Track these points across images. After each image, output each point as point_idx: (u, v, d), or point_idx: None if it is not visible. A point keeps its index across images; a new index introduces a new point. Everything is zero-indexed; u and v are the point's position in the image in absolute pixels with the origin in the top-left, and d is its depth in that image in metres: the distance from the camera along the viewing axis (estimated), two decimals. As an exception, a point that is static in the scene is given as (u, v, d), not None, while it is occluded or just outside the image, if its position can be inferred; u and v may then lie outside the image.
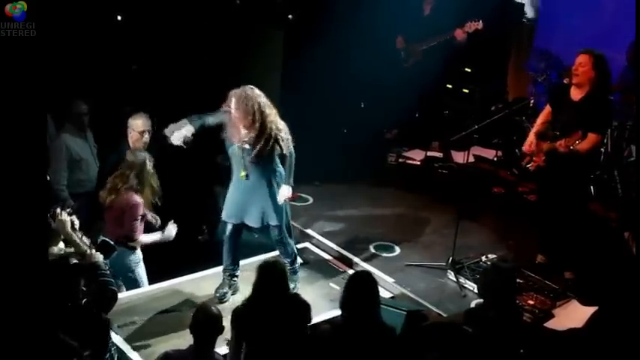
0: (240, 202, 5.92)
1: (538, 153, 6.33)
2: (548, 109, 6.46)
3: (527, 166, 6.48)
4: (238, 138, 5.78)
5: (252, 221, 5.94)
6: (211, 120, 5.79)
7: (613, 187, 7.57)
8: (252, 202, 5.89)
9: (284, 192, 5.90)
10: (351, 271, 6.55)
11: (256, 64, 8.76)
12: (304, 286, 6.26)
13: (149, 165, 5.82)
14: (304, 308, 4.71)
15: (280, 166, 5.91)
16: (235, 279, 6.14)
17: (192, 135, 5.68)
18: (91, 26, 7.77)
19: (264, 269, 4.65)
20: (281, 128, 5.78)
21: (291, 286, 6.12)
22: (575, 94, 6.15)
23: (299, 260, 6.32)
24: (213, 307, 4.34)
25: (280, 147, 5.79)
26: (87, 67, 7.70)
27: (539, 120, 6.49)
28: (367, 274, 4.65)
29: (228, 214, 5.98)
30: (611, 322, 4.86)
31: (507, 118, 8.05)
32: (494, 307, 4.49)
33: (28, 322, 3.52)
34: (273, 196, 5.87)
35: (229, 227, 6.05)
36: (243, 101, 5.64)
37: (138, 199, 5.78)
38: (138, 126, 6.26)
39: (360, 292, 4.46)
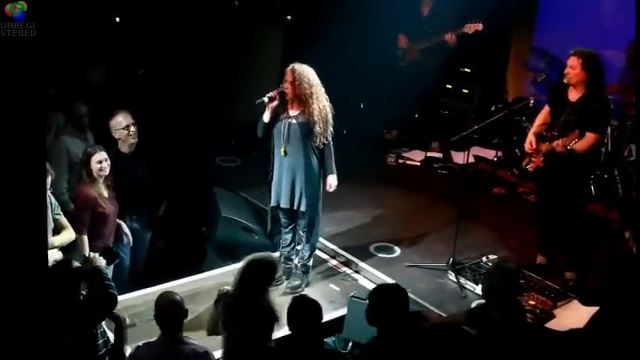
0: (280, 183, 5.97)
1: (537, 154, 6.32)
2: (546, 109, 6.44)
3: (527, 167, 6.48)
4: (287, 114, 5.86)
5: (285, 202, 5.98)
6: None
7: (613, 187, 7.56)
8: (289, 183, 5.94)
9: (331, 181, 6.00)
10: (349, 271, 6.56)
11: (255, 65, 8.76)
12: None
13: (94, 156, 5.65)
14: (271, 318, 4.60)
15: (317, 153, 5.94)
16: (290, 263, 6.25)
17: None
18: (90, 27, 7.77)
19: (254, 263, 4.68)
20: (328, 118, 5.86)
21: (297, 282, 6.16)
22: (572, 95, 6.13)
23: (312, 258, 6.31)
24: (175, 294, 4.40)
25: (323, 133, 5.84)
26: (86, 67, 7.71)
27: (538, 121, 6.47)
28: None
29: (273, 198, 6.06)
30: (612, 322, 4.84)
31: (507, 118, 8.05)
32: (498, 307, 4.48)
33: (28, 324, 3.51)
34: (308, 181, 5.91)
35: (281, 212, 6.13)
36: (300, 77, 5.73)
37: (88, 191, 5.66)
38: (120, 123, 6.16)
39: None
